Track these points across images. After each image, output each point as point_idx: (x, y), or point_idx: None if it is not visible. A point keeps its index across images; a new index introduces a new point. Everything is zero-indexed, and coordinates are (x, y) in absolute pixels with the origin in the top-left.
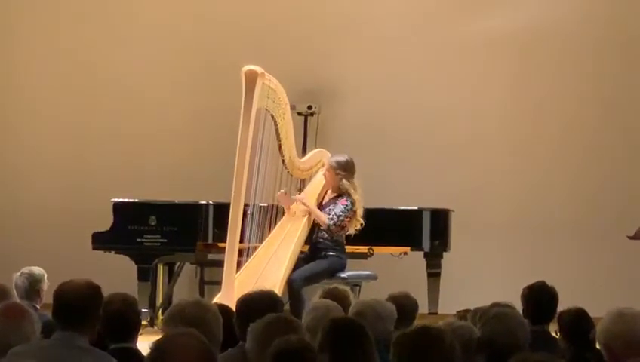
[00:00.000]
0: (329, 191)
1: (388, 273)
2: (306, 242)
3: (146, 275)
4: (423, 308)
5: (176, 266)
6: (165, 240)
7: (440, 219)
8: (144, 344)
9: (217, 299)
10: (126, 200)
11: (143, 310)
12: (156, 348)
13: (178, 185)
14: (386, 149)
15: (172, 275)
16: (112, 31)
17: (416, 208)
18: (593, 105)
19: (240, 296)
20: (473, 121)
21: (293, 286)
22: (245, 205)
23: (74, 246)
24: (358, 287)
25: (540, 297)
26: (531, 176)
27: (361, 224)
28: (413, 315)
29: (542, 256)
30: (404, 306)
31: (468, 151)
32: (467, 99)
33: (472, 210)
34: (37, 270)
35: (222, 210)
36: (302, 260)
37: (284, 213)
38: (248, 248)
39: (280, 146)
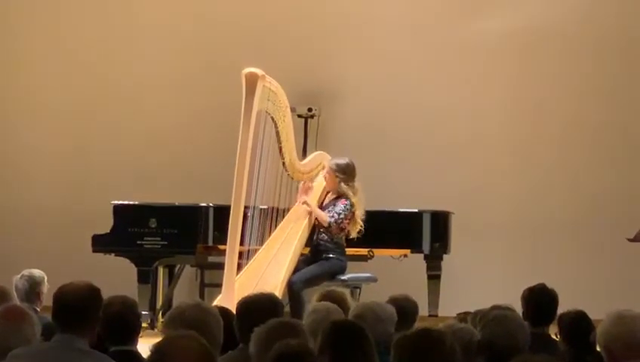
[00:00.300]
0: (329, 193)
1: (388, 275)
2: (307, 244)
3: (146, 278)
4: (423, 310)
5: (177, 269)
6: (165, 243)
7: (440, 221)
8: (144, 346)
9: (217, 301)
10: (126, 202)
11: (143, 312)
12: (156, 350)
13: (178, 188)
14: (386, 151)
15: (172, 278)
16: (112, 32)
17: (416, 210)
18: (594, 105)
19: (240, 299)
20: (473, 121)
21: (293, 288)
22: (245, 207)
23: (74, 248)
24: (358, 290)
25: (540, 299)
26: (532, 177)
27: (362, 227)
28: (414, 317)
29: (542, 258)
30: (405, 308)
31: (468, 152)
32: (467, 100)
33: (472, 211)
34: (37, 272)
35: (222, 213)
36: (302, 262)
37: (284, 216)
38: (248, 251)
39: (280, 149)
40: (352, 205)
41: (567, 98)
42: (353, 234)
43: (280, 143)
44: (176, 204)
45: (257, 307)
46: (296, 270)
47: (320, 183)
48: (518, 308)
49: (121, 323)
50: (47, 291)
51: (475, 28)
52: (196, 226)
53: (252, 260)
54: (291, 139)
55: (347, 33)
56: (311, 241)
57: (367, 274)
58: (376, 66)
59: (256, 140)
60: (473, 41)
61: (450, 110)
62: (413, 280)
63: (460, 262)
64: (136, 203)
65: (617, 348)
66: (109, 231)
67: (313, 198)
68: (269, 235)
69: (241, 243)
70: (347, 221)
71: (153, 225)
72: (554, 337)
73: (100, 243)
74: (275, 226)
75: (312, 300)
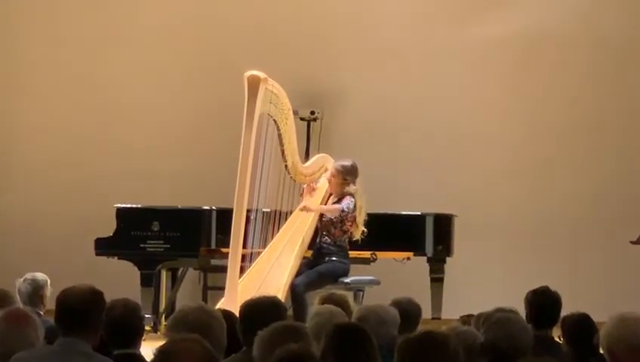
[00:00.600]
0: (332, 196)
1: (391, 278)
2: (309, 247)
3: (149, 281)
4: (426, 313)
5: (180, 272)
6: (168, 246)
7: (443, 224)
8: (147, 350)
9: (220, 304)
10: (129, 205)
11: (146, 315)
12: (160, 353)
13: (181, 191)
14: (389, 154)
15: (175, 281)
16: (113, 37)
17: (419, 213)
18: (594, 105)
19: (243, 302)
20: (476, 124)
21: (296, 291)
22: (248, 210)
23: (77, 251)
24: (361, 292)
25: (543, 302)
26: (534, 179)
27: (363, 231)
28: (417, 320)
29: (545, 260)
30: (408, 311)
31: (471, 155)
32: (469, 102)
33: (475, 214)
34: (40, 276)
35: (225, 216)
36: (305, 265)
37: (286, 219)
38: (251, 253)
39: (283, 151)
40: (354, 204)
41: (568, 99)
42: (356, 236)
43: (282, 146)
44: (179, 207)
45: (260, 310)
46: (299, 273)
47: (323, 185)
48: (521, 311)
49: (124, 326)
50: (51, 294)
51: (477, 31)
52: (199, 229)
53: (255, 263)
54: (294, 141)
55: (350, 36)
56: (314, 244)
57: (370, 277)
58: (379, 69)
59: (258, 143)
60: (475, 45)
61: (452, 112)
62: (416, 282)
63: (463, 265)
64: (139, 206)
65: (620, 350)
66: (111, 235)
67: (316, 200)
68: (272, 238)
69: (244, 246)
70: (351, 221)
71: (156, 228)
72: (557, 340)
73: (103, 247)
74: (278, 229)
75: (314, 303)
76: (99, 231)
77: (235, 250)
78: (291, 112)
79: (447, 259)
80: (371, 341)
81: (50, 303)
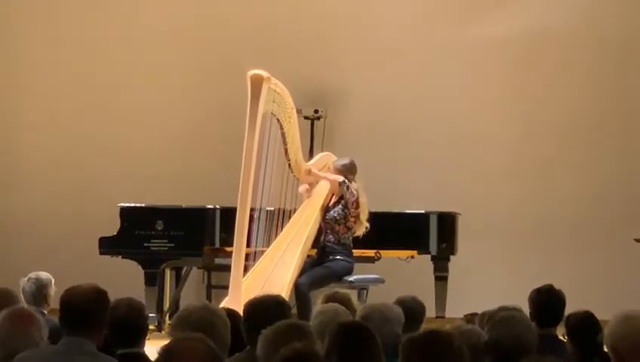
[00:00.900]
0: (334, 195)
1: (395, 277)
2: (313, 246)
3: (153, 280)
4: (430, 311)
5: (184, 271)
6: (172, 245)
7: (447, 222)
8: (152, 349)
9: (225, 303)
10: (133, 205)
11: (151, 315)
12: (164, 352)
13: (185, 190)
14: (393, 152)
15: (179, 280)
16: (117, 36)
17: (423, 211)
18: (596, 104)
19: (247, 301)
20: (478, 124)
21: (300, 289)
22: (252, 209)
23: (81, 251)
24: (365, 291)
25: (547, 300)
26: (538, 177)
27: (367, 228)
28: (421, 319)
29: (549, 258)
30: (412, 310)
31: (475, 153)
32: (472, 101)
33: (478, 212)
34: (44, 275)
35: (229, 215)
36: (309, 264)
37: (290, 217)
38: (255, 252)
39: (286, 150)
40: (357, 200)
41: (570, 97)
42: (359, 233)
43: (286, 145)
44: (183, 206)
45: (264, 309)
46: (303, 271)
47: (325, 185)
48: (526, 309)
49: (129, 325)
50: (55, 294)
51: (480, 31)
52: (203, 228)
53: (259, 262)
54: (297, 140)
55: (353, 35)
56: (318, 243)
57: (375, 276)
58: (382, 68)
59: (262, 142)
60: (478, 44)
61: (454, 111)
62: (421, 281)
63: (467, 263)
64: (143, 205)
65: (624, 348)
66: (115, 234)
67: (319, 200)
68: (276, 237)
69: (248, 245)
70: (354, 217)
71: (160, 228)
72: (561, 338)
73: (107, 246)
74: (282, 228)
75: (318, 302)
76: (103, 230)
77: (238, 249)
78: (294, 111)
79: (451, 257)
80: (375, 339)
81: (54, 302)
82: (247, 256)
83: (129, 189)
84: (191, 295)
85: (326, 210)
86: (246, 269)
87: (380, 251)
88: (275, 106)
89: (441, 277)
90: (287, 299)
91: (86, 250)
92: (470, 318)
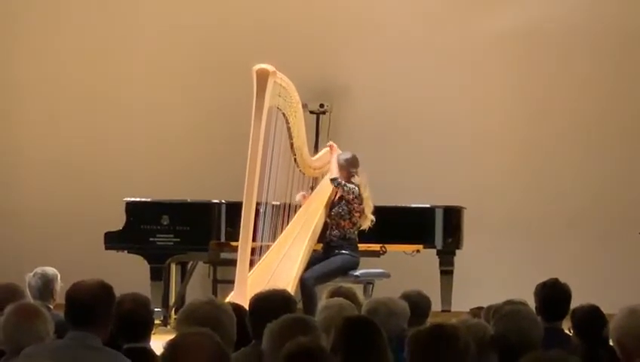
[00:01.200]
0: (338, 193)
1: (401, 271)
2: (319, 240)
3: (158, 275)
4: (436, 305)
5: (189, 265)
6: (178, 240)
7: (453, 216)
8: (157, 343)
9: (230, 297)
10: (138, 199)
11: (156, 309)
12: (170, 347)
13: (190, 185)
14: (398, 146)
15: (185, 274)
16: (122, 30)
17: (428, 206)
18: (598, 102)
19: (253, 295)
20: (484, 117)
21: (305, 284)
22: (257, 204)
23: (87, 246)
24: (371, 285)
25: (553, 294)
26: (543, 172)
27: (372, 221)
28: (427, 313)
29: (554, 252)
30: (417, 304)
31: (479, 148)
32: (478, 97)
33: (484, 206)
34: (50, 270)
35: (234, 209)
36: (314, 259)
37: (296, 212)
38: (261, 247)
39: (292, 145)
40: (360, 195)
41: (570, 97)
42: (364, 226)
43: (291, 139)
44: (189, 200)
45: (270, 303)
46: (308, 266)
47: (327, 184)
48: (531, 303)
49: (134, 320)
50: (61, 289)
51: (485, 26)
52: (209, 223)
53: (264, 256)
54: (302, 134)
55: (358, 30)
56: (323, 237)
57: (380, 270)
58: (388, 63)
59: (267, 136)
60: (483, 39)
61: (459, 105)
62: (426, 275)
63: (473, 257)
64: (149, 200)
65: (630, 341)
66: (121, 229)
67: (324, 195)
68: (282, 231)
69: (254, 240)
70: (359, 212)
71: (165, 222)
72: (567, 332)
73: (113, 241)
74: (288, 222)
75: (323, 297)
76: (109, 225)
77: (244, 244)
78: (300, 105)
79: (457, 251)
80: (381, 334)
81: (60, 297)
82: (252, 250)
83: (135, 185)
84: (197, 289)
85: (331, 205)
86: (252, 264)
87: (386, 245)
88: (280, 100)
89: (446, 271)
90: (292, 294)
91: (92, 245)
92: (476, 312)
